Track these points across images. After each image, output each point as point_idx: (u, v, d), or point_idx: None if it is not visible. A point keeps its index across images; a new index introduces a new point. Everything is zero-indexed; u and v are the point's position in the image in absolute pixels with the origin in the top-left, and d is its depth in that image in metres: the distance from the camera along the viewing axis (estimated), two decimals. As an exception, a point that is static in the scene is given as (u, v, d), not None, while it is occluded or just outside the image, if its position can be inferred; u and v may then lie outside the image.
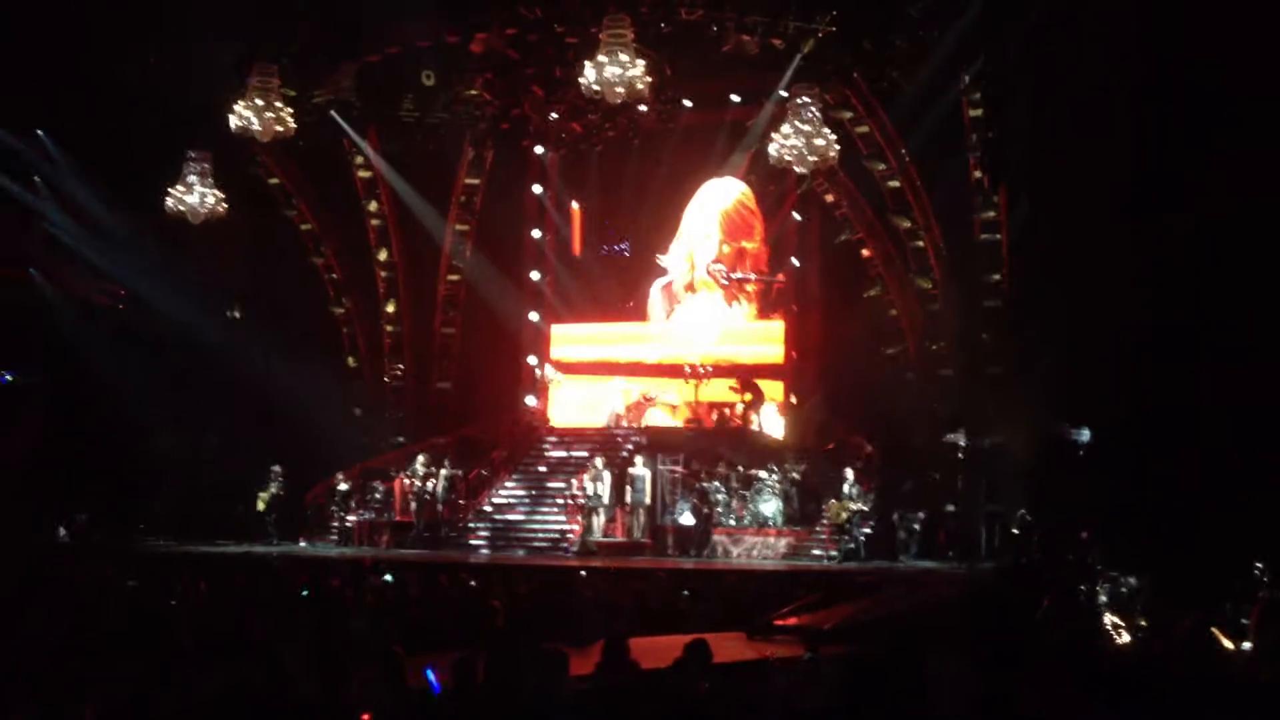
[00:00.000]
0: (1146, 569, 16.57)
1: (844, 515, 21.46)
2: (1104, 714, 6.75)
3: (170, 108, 23.41)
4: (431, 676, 8.06)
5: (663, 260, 27.90)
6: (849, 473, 21.95)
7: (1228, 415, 18.24)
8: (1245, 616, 12.98)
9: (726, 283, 27.41)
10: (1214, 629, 9.95)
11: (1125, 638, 13.38)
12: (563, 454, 25.85)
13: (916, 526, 21.86)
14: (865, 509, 21.56)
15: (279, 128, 21.72)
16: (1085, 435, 20.37)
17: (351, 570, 18.58)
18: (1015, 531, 21.24)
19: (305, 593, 14.50)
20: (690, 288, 27.83)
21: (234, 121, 21.50)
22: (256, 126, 21.56)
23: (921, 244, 25.18)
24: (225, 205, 23.34)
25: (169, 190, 23.10)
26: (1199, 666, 8.32)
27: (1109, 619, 14.37)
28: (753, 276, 27.31)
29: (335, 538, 24.60)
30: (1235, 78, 17.61)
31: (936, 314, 25.24)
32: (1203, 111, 18.14)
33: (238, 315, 27.96)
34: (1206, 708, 6.95)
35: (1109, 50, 18.72)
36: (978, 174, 23.50)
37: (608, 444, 25.09)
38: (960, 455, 22.23)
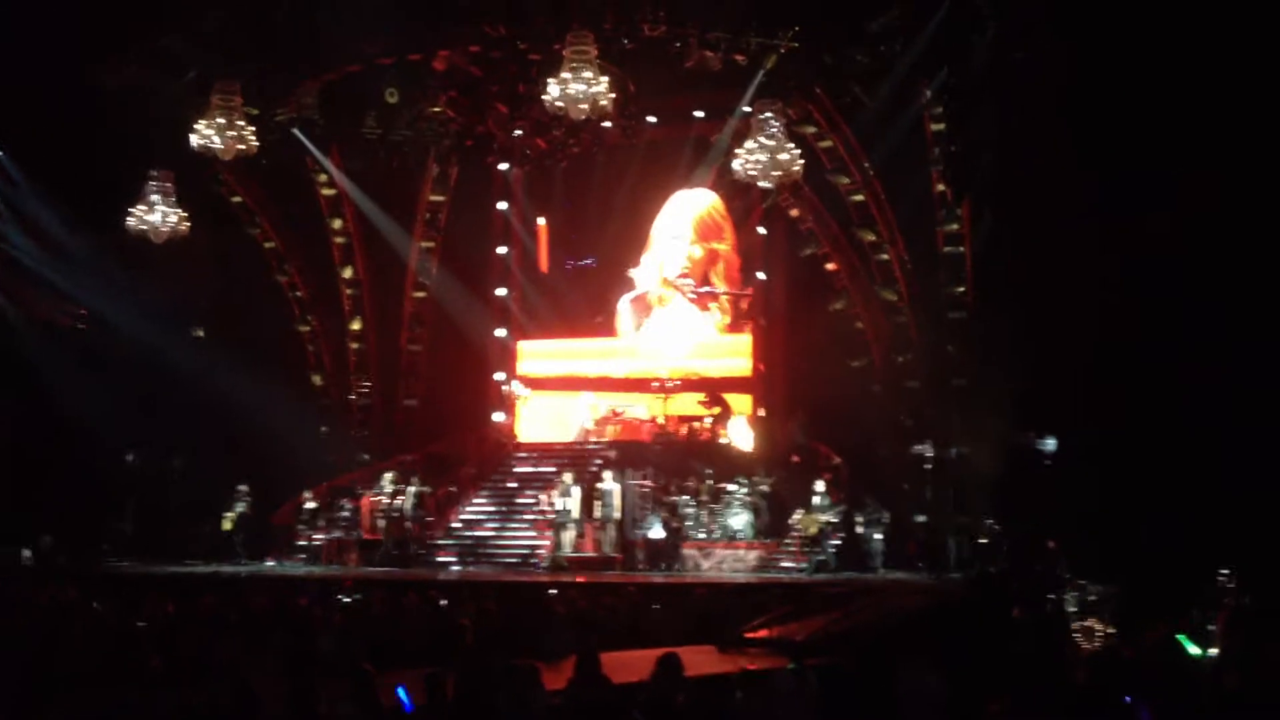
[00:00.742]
0: (1114, 577, 16.71)
1: (814, 527, 21.51)
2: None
3: (131, 127, 23.24)
4: (403, 694, 8.02)
5: (633, 273, 27.93)
6: (819, 484, 22.02)
7: (1192, 423, 18.44)
8: (1211, 624, 13.12)
9: (694, 295, 27.46)
10: (1181, 637, 10.04)
11: (1094, 645, 13.48)
12: (531, 470, 25.81)
13: (879, 536, 21.86)
14: (835, 520, 21.61)
15: (241, 146, 21.58)
16: (1051, 445, 20.55)
17: (320, 589, 18.45)
18: (983, 541, 21.37)
19: (273, 613, 14.38)
20: (660, 301, 27.87)
21: (195, 140, 21.37)
22: (218, 145, 21.42)
23: (886, 257, 25.33)
24: (187, 224, 23.19)
25: (130, 210, 22.94)
26: (1167, 674, 8.39)
27: (1077, 627, 14.48)
28: (719, 290, 27.38)
29: (303, 557, 24.43)
30: (1193, 88, 17.85)
31: (902, 326, 25.38)
32: (1163, 121, 18.38)
33: (201, 335, 27.77)
34: (1175, 715, 7.01)
35: (1068, 62, 18.94)
36: (941, 187, 23.66)
37: (576, 459, 25.06)
38: (927, 466, 22.33)
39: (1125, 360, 19.43)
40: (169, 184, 23.18)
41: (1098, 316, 19.56)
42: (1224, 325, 18.69)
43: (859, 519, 21.93)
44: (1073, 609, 16.33)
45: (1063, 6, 18.93)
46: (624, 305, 28.05)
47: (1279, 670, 6.08)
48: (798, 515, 21.87)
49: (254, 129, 21.88)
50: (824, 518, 21.52)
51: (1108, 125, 18.94)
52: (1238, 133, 17.84)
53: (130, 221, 22.87)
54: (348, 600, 16.50)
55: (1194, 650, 9.78)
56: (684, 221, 27.61)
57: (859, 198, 25.17)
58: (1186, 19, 17.71)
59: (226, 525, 24.67)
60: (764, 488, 22.92)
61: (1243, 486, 17.46)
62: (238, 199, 27.71)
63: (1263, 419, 17.49)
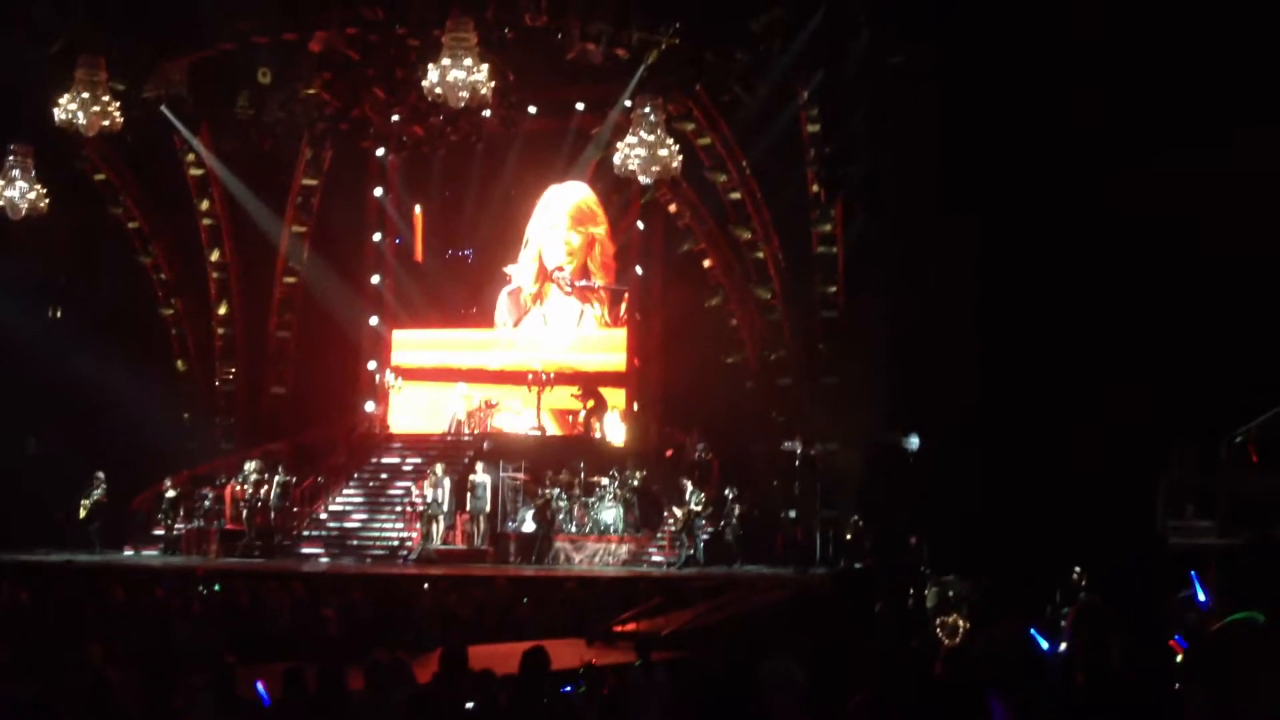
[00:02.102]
0: (972, 573, 17.17)
1: (684, 521, 21.68)
2: (930, 715, 6.93)
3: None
4: (261, 688, 7.87)
5: (510, 270, 27.76)
6: (687, 481, 22.20)
7: (1052, 425, 19.05)
8: (1065, 620, 13.54)
9: (570, 289, 27.43)
10: (1033, 631, 10.34)
11: (953, 640, 13.81)
12: (402, 460, 25.53)
13: (740, 532, 22.09)
14: (705, 515, 21.81)
15: (105, 122, 20.92)
16: (914, 443, 21.02)
17: (178, 579, 18.03)
18: (849, 537, 21.77)
19: (129, 604, 14.01)
20: (538, 297, 27.74)
21: (59, 114, 20.65)
22: (82, 120, 20.72)
23: (761, 255, 25.60)
24: (47, 201, 22.39)
25: (-12, 184, 22.10)
26: (1019, 668, 8.63)
27: (938, 622, 14.82)
28: (597, 285, 27.39)
29: (162, 546, 23.82)
30: (1059, 91, 18.42)
31: (775, 323, 25.70)
32: (1029, 123, 18.94)
33: (59, 315, 26.86)
34: (1025, 708, 7.21)
35: (939, 67, 19.40)
36: (815, 187, 24.00)
37: (449, 450, 24.85)
38: (797, 462, 22.66)
39: (988, 361, 20.00)
40: (29, 159, 22.35)
41: (963, 317, 20.10)
42: (1087, 328, 19.36)
43: (722, 522, 22.16)
44: (933, 604, 16.73)
45: (933, 14, 19.37)
46: (501, 300, 27.89)
47: (1122, 664, 6.30)
48: (671, 510, 22.01)
49: (119, 105, 21.21)
50: (694, 509, 21.70)
51: (977, 127, 19.45)
52: (1098, 135, 18.48)
53: (-12, 197, 22.01)
54: (207, 591, 16.16)
55: (1045, 645, 10.08)
56: (558, 211, 27.56)
57: (736, 195, 25.40)
58: (1052, 26, 18.29)
59: (82, 512, 23.93)
60: (635, 482, 23.01)
61: (1095, 486, 18.09)
62: (101, 176, 26.82)
63: (1120, 421, 18.13)
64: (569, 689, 8.25)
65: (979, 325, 19.90)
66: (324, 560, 22.68)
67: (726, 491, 22.35)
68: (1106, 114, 18.15)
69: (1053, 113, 18.71)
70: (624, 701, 8.19)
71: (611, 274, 27.41)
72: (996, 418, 19.64)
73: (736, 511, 22.08)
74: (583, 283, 27.41)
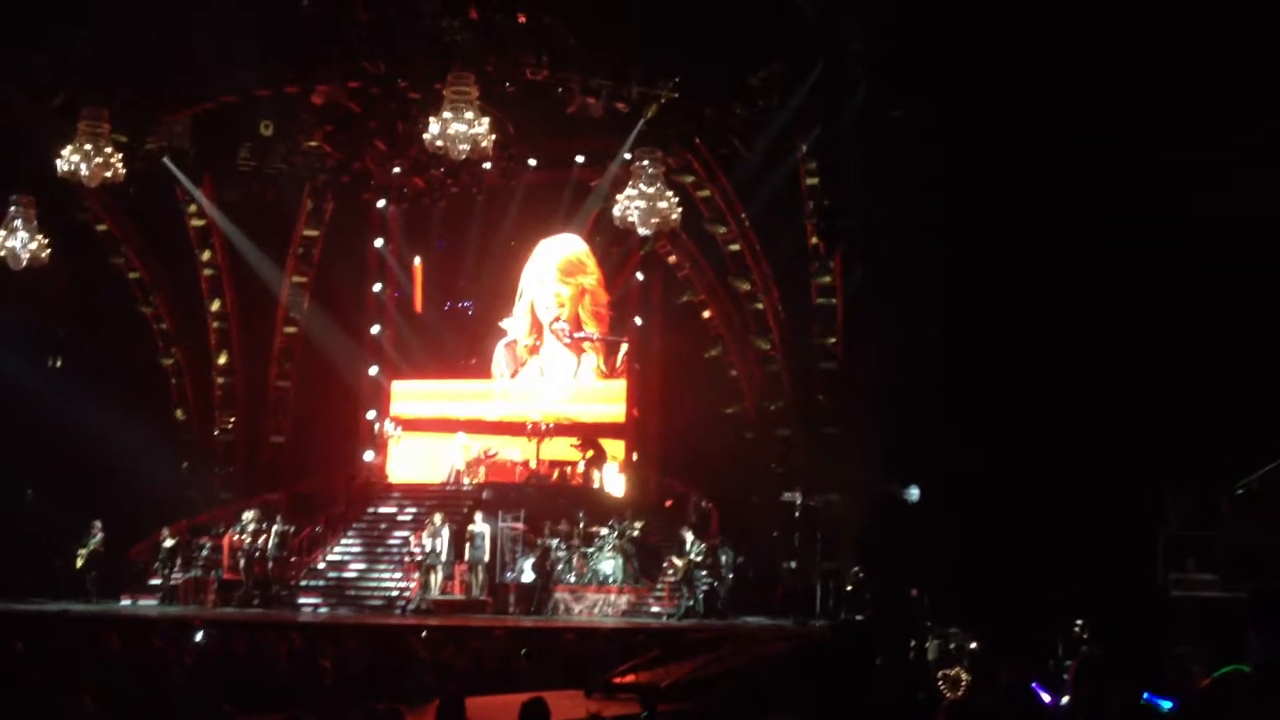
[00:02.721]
0: (974, 625, 17.09)
1: (684, 572, 21.59)
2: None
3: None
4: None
5: (505, 324, 27.85)
6: (687, 533, 22.13)
7: (1053, 475, 19.02)
8: (1066, 672, 13.47)
9: (569, 341, 27.49)
10: (1035, 684, 10.29)
11: (955, 693, 13.73)
12: (401, 510, 25.46)
13: (729, 576, 21.97)
14: (705, 566, 21.72)
15: (107, 174, 21.03)
16: (915, 494, 20.99)
17: (175, 629, 17.91)
18: (849, 588, 21.67)
19: (125, 654, 13.90)
20: (534, 350, 27.79)
21: (61, 166, 20.77)
22: (84, 172, 20.83)
23: (761, 306, 25.69)
24: (49, 251, 22.47)
25: (-10, 235, 22.17)
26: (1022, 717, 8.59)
27: (939, 674, 14.73)
28: (595, 335, 27.46)
29: (160, 596, 23.70)
30: (1055, 139, 18.57)
31: (774, 374, 25.73)
32: (1027, 176, 19.08)
33: (59, 365, 26.88)
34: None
35: (937, 123, 19.57)
36: (814, 239, 24.12)
37: (447, 500, 24.80)
38: (796, 513, 22.60)
39: (988, 411, 20.02)
40: (31, 209, 22.44)
41: (962, 369, 20.14)
42: (1086, 378, 19.38)
43: (724, 563, 22.08)
44: (935, 656, 16.64)
45: (930, 70, 19.56)
46: (498, 352, 27.95)
47: (1124, 716, 6.28)
48: (670, 560, 21.92)
49: (122, 156, 21.34)
50: (695, 560, 21.61)
51: (974, 180, 19.60)
52: (1100, 185, 18.60)
53: (-10, 247, 22.08)
54: (203, 641, 16.05)
55: (1047, 697, 10.02)
56: (547, 264, 27.70)
57: (735, 247, 25.52)
58: (1042, 77, 18.47)
59: (79, 562, 23.82)
60: (634, 532, 22.94)
61: (1096, 538, 18.05)
62: (103, 227, 26.94)
63: (1120, 471, 18.13)
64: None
65: (978, 375, 19.94)
66: (322, 610, 22.56)
67: (719, 544, 22.24)
68: (1105, 156, 18.29)
69: (1047, 159, 18.85)
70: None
71: (605, 323, 27.50)
72: (997, 469, 19.62)
73: (729, 563, 21.94)
74: (581, 334, 27.48)
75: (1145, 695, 7.95)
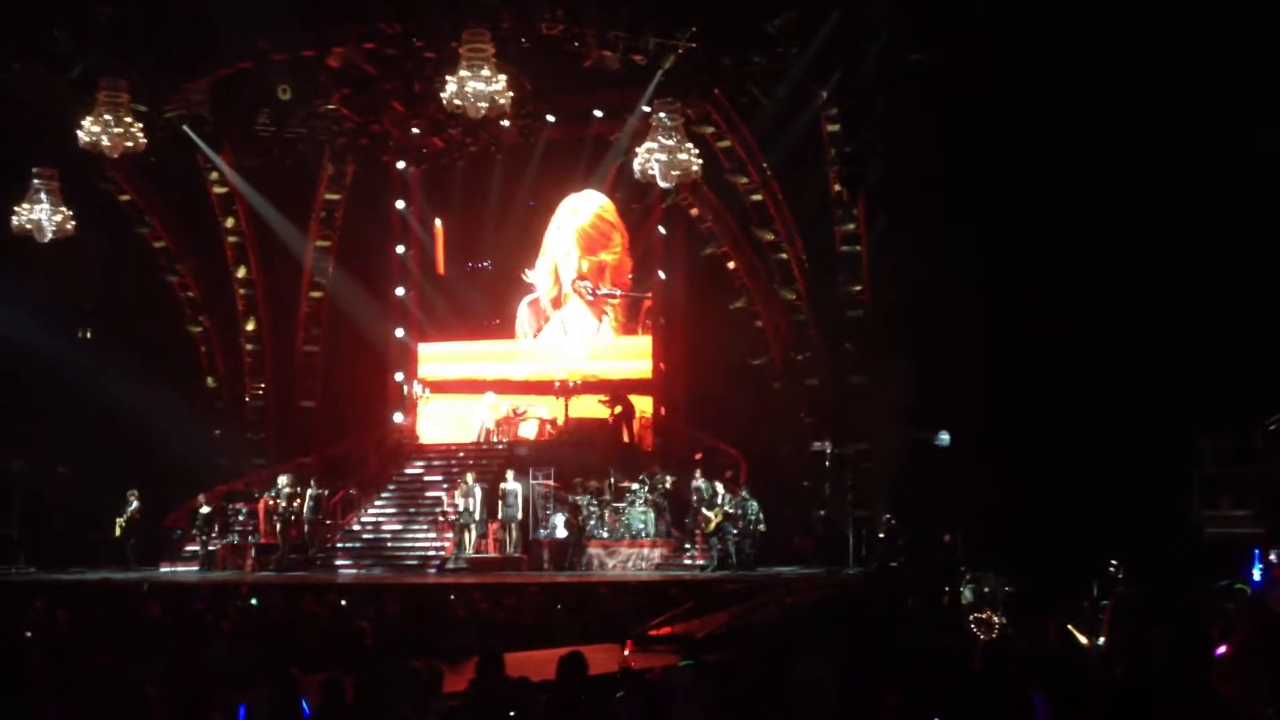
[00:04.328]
0: (1008, 569, 17.09)
1: (715, 524, 21.64)
2: (968, 713, 6.91)
3: (15, 123, 22.59)
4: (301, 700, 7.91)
5: (529, 276, 27.85)
6: (718, 485, 22.15)
7: (1085, 416, 18.93)
8: (1101, 613, 13.47)
9: (592, 298, 27.47)
10: (1071, 626, 10.30)
11: (989, 636, 13.75)
12: (433, 471, 25.61)
13: (759, 527, 21.99)
14: (733, 512, 21.75)
15: (129, 143, 21.05)
16: (945, 438, 20.92)
17: (214, 594, 18.13)
18: (881, 536, 21.69)
19: (166, 620, 14.09)
20: (557, 303, 27.81)
21: (82, 137, 20.82)
22: (105, 142, 20.87)
23: (785, 256, 25.57)
24: (74, 223, 22.57)
25: (15, 208, 22.27)
26: (1059, 662, 8.60)
27: (973, 619, 14.76)
28: (618, 293, 27.42)
29: (197, 562, 23.97)
30: (1075, 86, 18.35)
31: (801, 324, 25.66)
32: (1048, 118, 18.87)
33: (89, 336, 27.07)
34: (1067, 701, 7.18)
35: (958, 65, 19.34)
36: (837, 187, 23.95)
37: (479, 459, 24.92)
38: (827, 463, 22.60)
39: (1018, 354, 19.92)
40: (54, 182, 22.53)
41: (991, 311, 20.03)
42: (1117, 318, 19.26)
43: (754, 515, 22.11)
44: (969, 601, 16.66)
45: (951, 12, 19.32)
46: (522, 310, 27.97)
47: (1162, 656, 6.27)
48: (702, 513, 21.97)
49: (142, 126, 21.37)
50: (726, 512, 21.64)
51: (995, 124, 19.40)
52: (1122, 134, 18.39)
53: (15, 220, 22.18)
54: (243, 605, 16.23)
55: (1083, 639, 10.03)
56: (568, 235, 27.61)
57: (757, 197, 25.37)
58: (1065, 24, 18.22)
59: (117, 530, 24.10)
60: (666, 486, 22.99)
61: (1129, 478, 17.98)
62: (126, 197, 27.05)
63: (1152, 410, 18.03)
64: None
65: (1006, 318, 19.81)
66: (354, 571, 22.77)
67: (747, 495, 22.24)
68: (1124, 98, 18.09)
69: (1075, 101, 18.62)
70: (668, 702, 8.18)
71: (627, 289, 27.43)
72: (1028, 411, 19.55)
73: (757, 514, 21.94)
74: (604, 291, 27.43)
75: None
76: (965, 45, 19.18)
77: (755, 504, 21.81)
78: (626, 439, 25.77)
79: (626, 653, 11.66)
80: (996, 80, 19.31)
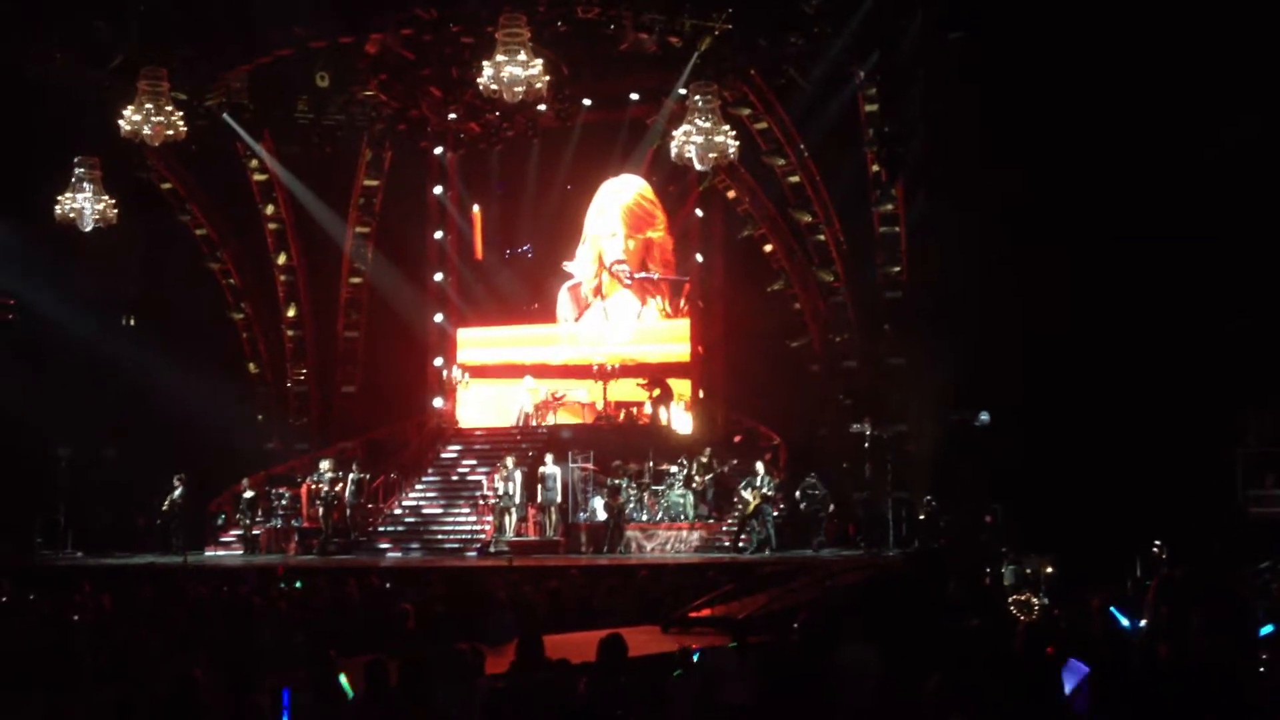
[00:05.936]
0: (1050, 550, 16.97)
1: (754, 506, 21.64)
2: (1011, 693, 6.90)
3: (57, 113, 22.83)
4: (344, 682, 7.99)
5: (569, 267, 27.87)
6: (759, 465, 22.12)
7: (1129, 397, 18.74)
8: (1146, 594, 13.36)
9: (630, 281, 27.46)
10: (1113, 607, 10.23)
11: (1030, 617, 13.67)
12: (473, 455, 25.74)
13: (822, 515, 22.08)
14: (772, 494, 21.74)
15: (169, 132, 21.24)
16: (985, 418, 20.77)
17: (259, 578, 18.31)
18: (922, 517, 21.61)
19: (212, 603, 14.24)
20: (599, 291, 27.79)
21: (123, 126, 21.01)
22: (146, 131, 21.06)
23: (822, 238, 25.47)
24: (116, 211, 22.80)
25: (58, 198, 22.53)
26: (1101, 644, 8.55)
27: (1014, 600, 14.67)
28: (656, 276, 27.41)
29: (241, 546, 24.23)
30: (1111, 66, 18.12)
31: (839, 306, 25.57)
32: (1087, 101, 18.64)
33: (132, 323, 27.37)
34: (1109, 683, 7.16)
35: (997, 45, 19.15)
36: (875, 168, 23.82)
37: (518, 444, 25.02)
38: (866, 444, 22.52)
39: (1061, 335, 19.74)
40: (96, 171, 22.76)
41: (1030, 290, 19.84)
42: (1161, 297, 19.04)
43: (799, 496, 22.10)
44: (1010, 582, 16.56)
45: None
46: (562, 295, 28.01)
47: (1205, 637, 6.23)
48: (741, 496, 21.97)
49: (182, 114, 21.55)
50: (766, 494, 21.63)
51: (1034, 102, 19.20)
52: (1160, 113, 18.16)
53: (58, 209, 22.44)
54: (287, 588, 16.39)
55: (1125, 621, 9.96)
56: (613, 216, 27.60)
57: (795, 179, 25.28)
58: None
59: (161, 516, 24.37)
60: (706, 469, 22.97)
61: (1173, 458, 17.81)
62: (167, 185, 27.31)
63: (1193, 395, 17.85)
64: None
65: (1047, 297, 19.63)
66: (396, 555, 22.94)
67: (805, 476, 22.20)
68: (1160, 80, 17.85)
69: (1114, 76, 18.39)
70: (712, 683, 8.22)
71: (671, 270, 27.42)
72: (1070, 391, 19.38)
73: (810, 494, 21.97)
74: (642, 274, 27.43)
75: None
76: (1004, 22, 18.98)
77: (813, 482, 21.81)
78: (665, 422, 25.78)
79: (669, 635, 11.71)
80: (1036, 57, 19.10)
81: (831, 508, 22.11)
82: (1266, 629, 7.83)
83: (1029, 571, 16.59)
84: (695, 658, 8.76)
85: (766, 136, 24.90)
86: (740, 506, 22.11)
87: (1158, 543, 16.54)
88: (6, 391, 23.73)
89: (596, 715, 7.77)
